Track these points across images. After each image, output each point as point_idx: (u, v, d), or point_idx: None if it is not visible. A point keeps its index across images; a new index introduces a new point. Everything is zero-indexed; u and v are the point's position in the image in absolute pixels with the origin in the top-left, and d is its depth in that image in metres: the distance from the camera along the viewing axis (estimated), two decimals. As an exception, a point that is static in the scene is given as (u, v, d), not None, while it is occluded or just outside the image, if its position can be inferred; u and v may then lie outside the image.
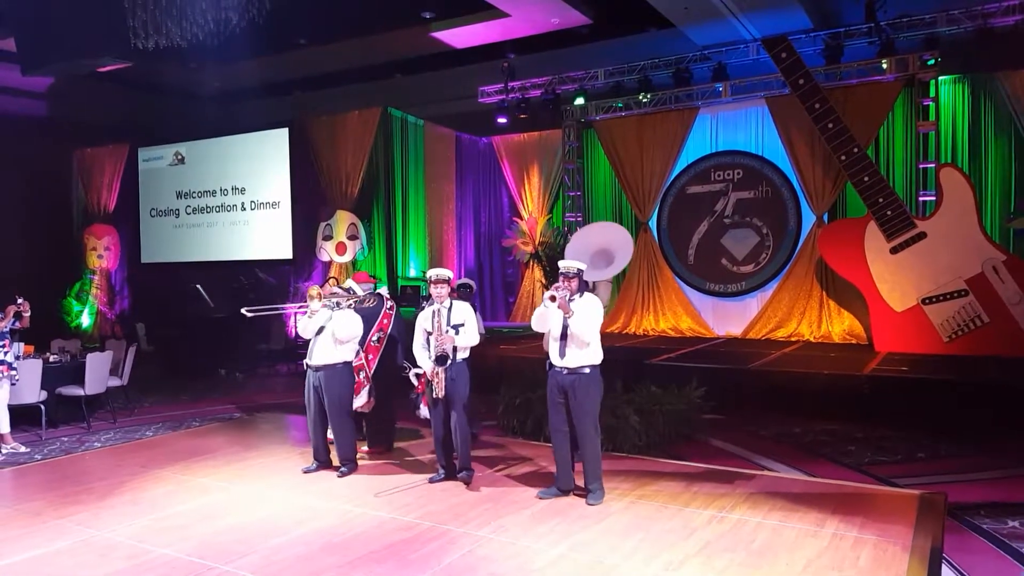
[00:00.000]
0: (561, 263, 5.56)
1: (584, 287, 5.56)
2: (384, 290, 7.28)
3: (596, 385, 5.45)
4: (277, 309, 6.65)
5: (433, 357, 5.80)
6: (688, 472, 6.26)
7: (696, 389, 7.62)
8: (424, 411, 6.57)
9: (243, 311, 6.37)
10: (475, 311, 7.32)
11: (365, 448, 6.97)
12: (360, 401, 6.70)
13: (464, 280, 8.18)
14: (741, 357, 10.00)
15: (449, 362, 5.79)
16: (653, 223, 13.28)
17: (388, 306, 7.05)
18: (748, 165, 12.51)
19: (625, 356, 9.99)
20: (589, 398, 5.40)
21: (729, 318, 12.61)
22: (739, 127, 12.62)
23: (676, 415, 7.26)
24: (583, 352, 5.39)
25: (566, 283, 5.42)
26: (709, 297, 12.84)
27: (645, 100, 12.71)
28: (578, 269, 5.48)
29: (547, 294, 5.37)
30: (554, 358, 5.49)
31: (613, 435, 6.88)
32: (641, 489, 5.77)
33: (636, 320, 13.15)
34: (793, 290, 11.96)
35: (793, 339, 11.71)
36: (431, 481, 6.05)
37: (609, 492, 5.60)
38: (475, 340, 5.90)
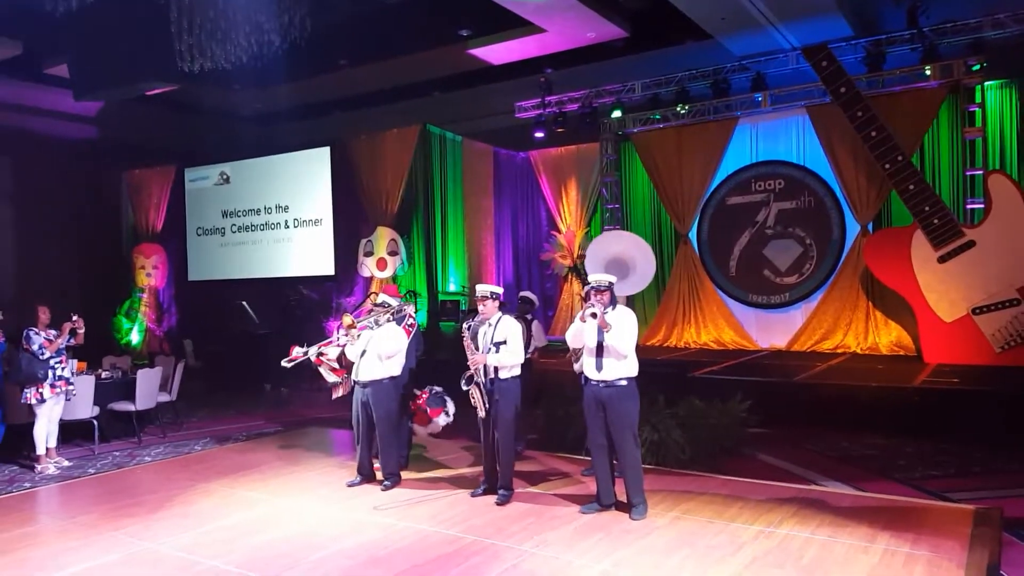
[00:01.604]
0: (592, 277, 5.55)
1: (615, 301, 5.55)
2: (411, 307, 7.30)
3: (633, 397, 5.42)
4: (309, 355, 6.89)
5: (464, 377, 5.82)
6: (734, 487, 6.17)
7: (741, 402, 7.52)
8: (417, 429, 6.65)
9: (283, 364, 6.89)
10: (535, 323, 7.24)
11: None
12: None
13: (525, 293, 8.05)
14: (786, 370, 9.87)
15: (484, 381, 5.77)
16: (693, 235, 13.20)
17: (408, 323, 7.10)
18: (790, 175, 12.38)
19: (667, 369, 9.90)
20: (627, 411, 5.38)
21: (773, 330, 12.46)
22: (780, 137, 12.51)
23: (721, 429, 7.18)
24: (620, 364, 5.37)
25: (598, 297, 5.41)
26: (752, 309, 12.71)
27: (683, 111, 12.66)
28: (609, 282, 5.48)
29: (586, 310, 5.31)
30: (590, 372, 5.46)
31: (656, 450, 6.83)
32: (686, 504, 5.71)
33: (677, 332, 13.05)
34: (838, 301, 11.78)
35: (839, 351, 11.53)
36: (473, 495, 6.07)
37: (653, 507, 5.55)
38: (516, 359, 5.80)
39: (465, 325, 5.95)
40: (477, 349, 5.87)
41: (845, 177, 11.65)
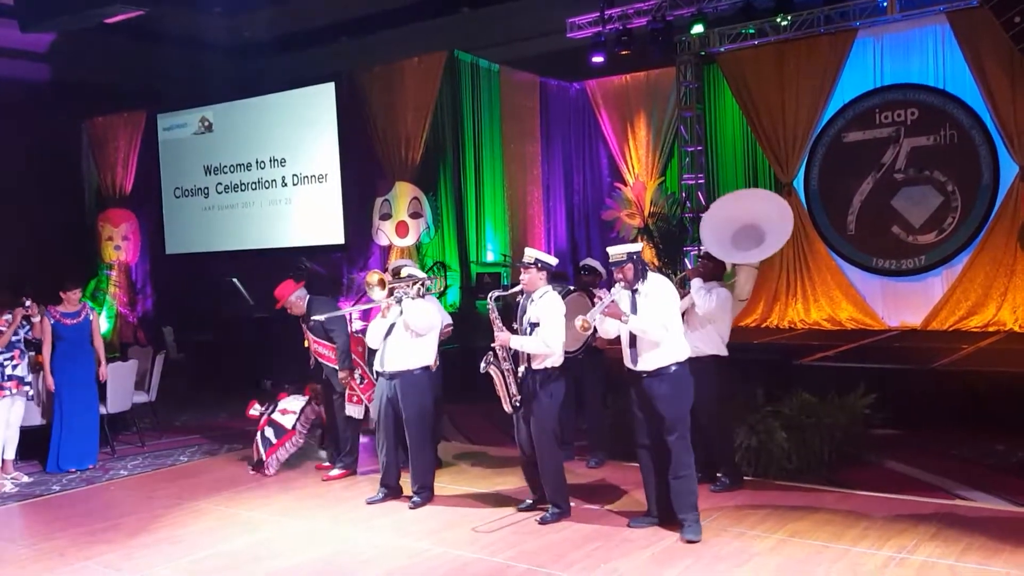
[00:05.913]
0: (609, 249, 5.64)
1: (645, 271, 5.55)
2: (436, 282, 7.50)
3: (685, 386, 5.50)
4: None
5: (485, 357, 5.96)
6: (855, 503, 6.16)
7: (863, 396, 7.50)
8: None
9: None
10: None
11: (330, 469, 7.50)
12: (359, 410, 7.27)
13: (588, 261, 7.98)
14: (922, 354, 9.81)
15: (513, 367, 5.90)
16: (799, 183, 13.09)
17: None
18: (926, 103, 12.18)
19: (767, 356, 9.89)
20: (678, 402, 5.47)
21: (904, 304, 12.39)
22: (912, 53, 12.31)
23: (837, 430, 7.16)
24: (661, 349, 5.44)
25: (619, 274, 5.51)
26: (877, 277, 12.61)
27: (785, 23, 12.46)
28: (627, 254, 5.51)
29: (592, 314, 5.46)
30: (627, 361, 5.60)
31: (755, 457, 6.88)
32: (793, 524, 5.72)
33: (779, 310, 13.03)
34: (991, 265, 11.65)
35: (991, 329, 11.43)
36: (519, 509, 6.17)
37: (752, 528, 5.58)
38: (545, 349, 5.81)
39: (494, 294, 6.09)
40: (516, 329, 5.97)
41: (999, 104, 11.42)
